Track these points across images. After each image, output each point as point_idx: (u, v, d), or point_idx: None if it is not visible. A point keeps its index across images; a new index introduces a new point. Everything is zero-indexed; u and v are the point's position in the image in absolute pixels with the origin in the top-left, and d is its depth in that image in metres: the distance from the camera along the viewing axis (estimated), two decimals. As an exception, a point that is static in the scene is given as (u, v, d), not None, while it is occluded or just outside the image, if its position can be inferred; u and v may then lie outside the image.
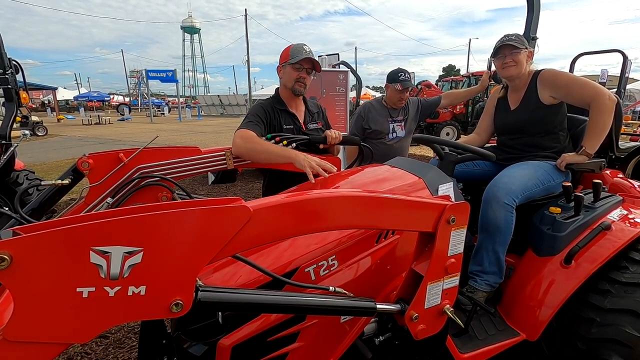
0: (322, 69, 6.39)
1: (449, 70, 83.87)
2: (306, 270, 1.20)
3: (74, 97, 41.46)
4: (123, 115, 28.42)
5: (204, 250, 0.78)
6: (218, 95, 34.89)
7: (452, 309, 1.20)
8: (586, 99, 1.72)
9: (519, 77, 1.92)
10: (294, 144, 1.81)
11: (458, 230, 1.14)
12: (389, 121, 2.86)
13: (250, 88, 31.33)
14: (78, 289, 0.68)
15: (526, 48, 1.89)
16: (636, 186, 1.93)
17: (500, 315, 1.67)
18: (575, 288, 1.49)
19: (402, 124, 2.90)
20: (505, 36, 1.92)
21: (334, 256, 1.25)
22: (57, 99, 30.62)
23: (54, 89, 27.82)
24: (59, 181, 1.37)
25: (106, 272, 0.69)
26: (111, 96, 46.84)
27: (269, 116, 2.02)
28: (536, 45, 2.42)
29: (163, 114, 34.60)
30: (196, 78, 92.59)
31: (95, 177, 1.43)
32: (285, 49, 2.04)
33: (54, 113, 28.10)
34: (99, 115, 24.76)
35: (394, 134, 2.88)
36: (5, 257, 0.61)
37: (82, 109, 29.22)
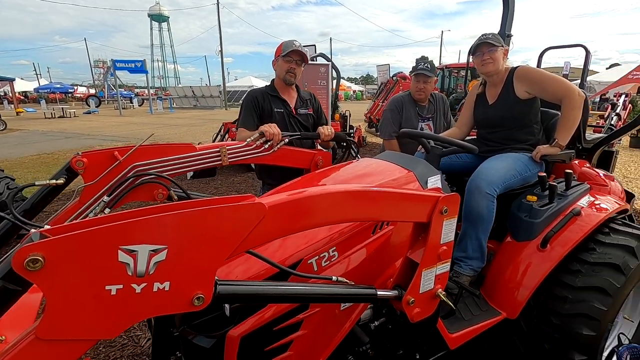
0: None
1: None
2: (309, 262, 1.26)
3: (33, 89, 38.97)
4: (90, 107, 27.08)
5: (223, 246, 0.81)
6: (190, 87, 33.86)
7: (444, 292, 1.30)
8: (558, 95, 1.85)
9: (496, 73, 2.04)
10: (286, 139, 1.86)
11: (450, 220, 1.23)
12: (418, 119, 2.80)
13: (224, 79, 30.68)
14: (107, 287, 0.71)
15: (502, 46, 2.01)
16: (601, 175, 2.11)
17: (483, 297, 1.80)
18: (550, 269, 1.63)
19: (430, 122, 2.83)
20: (482, 35, 2.03)
21: (334, 247, 1.31)
22: (15, 90, 28.68)
23: (12, 80, 26.00)
24: (53, 181, 1.35)
25: (133, 270, 0.72)
26: (75, 87, 44.40)
27: (260, 104, 2.26)
28: (511, 42, 2.56)
29: (132, 106, 33.25)
30: (166, 68, 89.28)
31: (90, 176, 1.41)
32: (279, 46, 2.28)
33: (12, 106, 26.33)
34: (62, 108, 23.46)
35: None
36: (39, 258, 0.63)
37: (44, 101, 27.54)
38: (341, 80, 9.33)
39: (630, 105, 7.70)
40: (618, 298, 1.57)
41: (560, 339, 1.59)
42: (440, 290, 1.29)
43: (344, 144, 2.32)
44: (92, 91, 43.77)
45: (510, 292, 1.71)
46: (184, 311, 0.81)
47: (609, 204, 1.81)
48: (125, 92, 39.28)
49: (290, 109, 2.32)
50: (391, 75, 15.19)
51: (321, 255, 1.28)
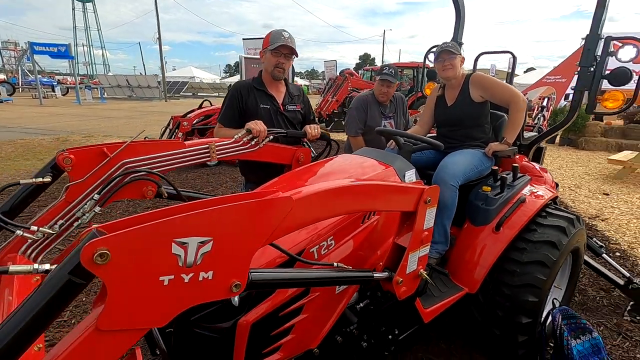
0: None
1: (365, 59, 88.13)
2: (310, 250, 1.36)
3: None
4: (1, 96, 23.71)
5: (259, 236, 0.89)
6: (125, 76, 31.26)
7: (425, 272, 1.48)
8: (506, 99, 2.16)
9: (454, 78, 2.29)
10: (271, 136, 1.92)
11: (431, 208, 1.41)
12: (382, 118, 2.99)
13: (163, 68, 28.80)
14: (160, 278, 0.75)
15: (460, 54, 2.26)
16: (537, 167, 2.48)
17: (448, 276, 2.04)
18: (503, 249, 1.92)
19: (392, 120, 3.05)
20: (444, 43, 2.27)
21: (332, 237, 1.43)
22: None
23: None
24: (40, 179, 1.28)
25: (184, 261, 0.77)
26: (-20, 72, 38.45)
27: (244, 99, 2.18)
28: (462, 49, 2.86)
29: (55, 95, 29.76)
30: (93, 54, 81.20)
31: (77, 173, 1.36)
32: (267, 35, 2.17)
33: None
34: (-34, 96, 20.31)
35: None
36: (107, 252, 0.66)
37: (-60, 88, 23.54)
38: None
39: (551, 107, 8.85)
40: (554, 269, 1.90)
41: (510, 307, 1.88)
42: (422, 270, 1.48)
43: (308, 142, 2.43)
44: (2, 77, 38.23)
45: (471, 270, 1.97)
46: (223, 298, 0.87)
47: (545, 192, 2.16)
48: (46, 80, 34.93)
49: (278, 105, 2.26)
50: (339, 72, 15.54)
51: (321, 245, 1.39)
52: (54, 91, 30.42)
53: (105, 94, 29.54)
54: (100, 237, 0.66)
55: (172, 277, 0.77)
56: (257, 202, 0.86)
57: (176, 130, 6.48)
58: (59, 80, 42.15)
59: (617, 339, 2.38)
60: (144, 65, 64.18)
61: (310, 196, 0.99)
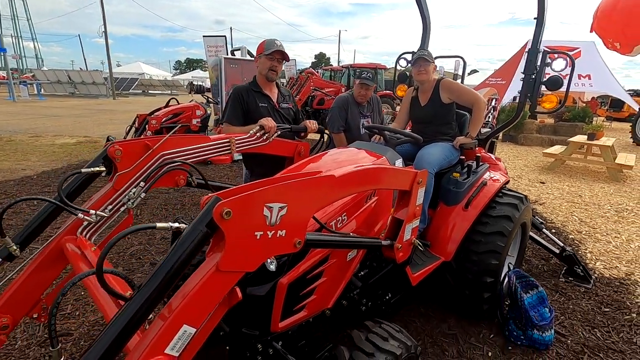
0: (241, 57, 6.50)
1: (320, 58, 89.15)
2: (330, 224, 1.66)
3: None
4: None
5: (313, 205, 1.17)
6: (66, 71, 28.97)
7: (416, 240, 1.84)
8: (470, 101, 2.60)
9: (427, 82, 2.70)
10: (279, 132, 2.19)
11: (422, 188, 1.77)
12: (360, 117, 3.32)
13: (110, 64, 27.15)
14: (255, 233, 1.01)
15: (433, 62, 2.67)
16: (493, 157, 2.98)
17: (429, 246, 2.43)
18: (471, 223, 2.34)
19: (369, 119, 3.40)
20: (420, 51, 2.67)
21: (345, 213, 1.73)
22: None
23: None
24: (96, 168, 1.44)
25: (270, 221, 1.04)
26: None
27: (245, 99, 2.48)
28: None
29: (-18, 90, 26.87)
30: (22, 46, 73.68)
31: (124, 164, 1.54)
32: (261, 44, 2.50)
33: None
34: None
35: (363, 130, 3.31)
36: (230, 211, 0.91)
37: None
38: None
39: (498, 106, 9.89)
40: (510, 238, 2.37)
41: (477, 270, 2.31)
42: (414, 239, 1.83)
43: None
44: None
45: (446, 242, 2.37)
46: (290, 252, 1.14)
47: (500, 177, 2.64)
48: (-30, 73, 31.39)
49: (274, 104, 2.58)
50: (299, 71, 15.83)
51: (337, 219, 1.69)
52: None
53: (43, 90, 27.25)
54: (226, 200, 0.91)
55: (262, 232, 1.03)
56: (316, 178, 1.15)
57: (145, 130, 6.39)
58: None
59: (555, 295, 2.95)
60: (84, 60, 59.54)
61: (346, 175, 1.29)
